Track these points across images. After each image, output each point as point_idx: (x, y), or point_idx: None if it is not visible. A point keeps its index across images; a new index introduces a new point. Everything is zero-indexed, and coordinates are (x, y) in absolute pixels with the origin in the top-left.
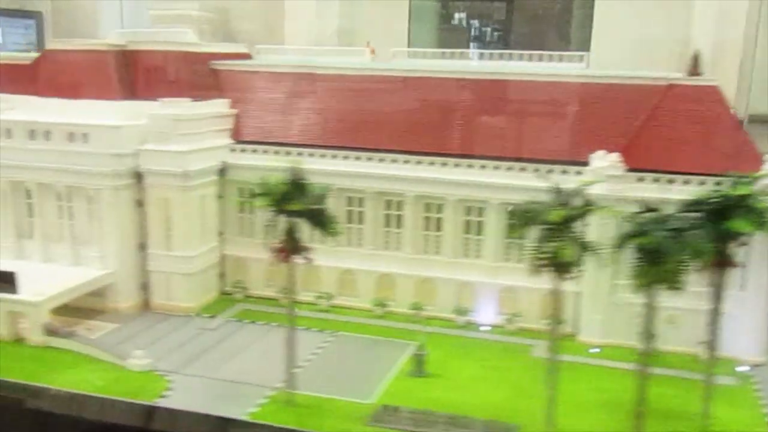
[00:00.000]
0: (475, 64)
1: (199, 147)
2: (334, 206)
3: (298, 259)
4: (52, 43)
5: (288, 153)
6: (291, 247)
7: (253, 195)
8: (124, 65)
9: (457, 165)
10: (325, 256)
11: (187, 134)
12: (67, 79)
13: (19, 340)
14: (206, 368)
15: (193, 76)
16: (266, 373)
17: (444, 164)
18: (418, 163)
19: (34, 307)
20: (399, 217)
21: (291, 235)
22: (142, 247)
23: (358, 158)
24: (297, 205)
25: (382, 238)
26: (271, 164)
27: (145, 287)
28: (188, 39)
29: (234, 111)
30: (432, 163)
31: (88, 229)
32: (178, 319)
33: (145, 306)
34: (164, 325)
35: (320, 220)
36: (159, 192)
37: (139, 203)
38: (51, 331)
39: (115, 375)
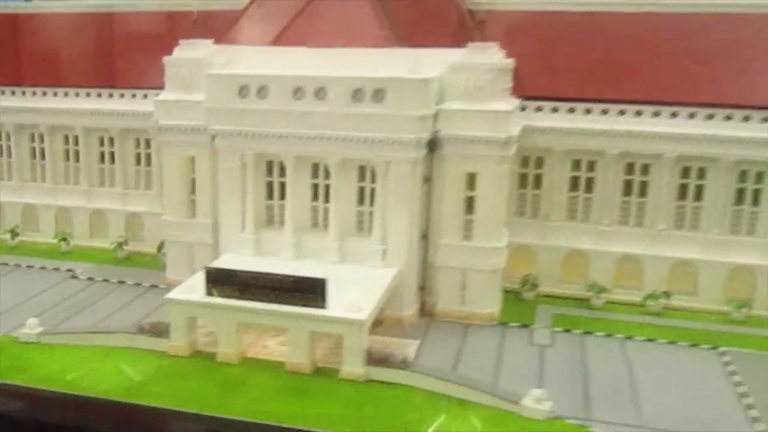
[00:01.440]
0: None
1: (513, 106)
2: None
3: None
4: None
5: (588, 111)
6: None
7: None
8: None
9: None
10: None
11: (502, 89)
12: (307, 24)
13: (318, 371)
14: (632, 413)
15: (455, 18)
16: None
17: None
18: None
19: (356, 327)
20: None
21: None
22: (424, 237)
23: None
24: None
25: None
26: (585, 127)
27: (422, 289)
28: None
29: (510, 61)
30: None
31: (362, 215)
32: (487, 331)
33: (425, 313)
34: (478, 341)
35: None
36: (461, 164)
37: (426, 179)
38: (379, 359)
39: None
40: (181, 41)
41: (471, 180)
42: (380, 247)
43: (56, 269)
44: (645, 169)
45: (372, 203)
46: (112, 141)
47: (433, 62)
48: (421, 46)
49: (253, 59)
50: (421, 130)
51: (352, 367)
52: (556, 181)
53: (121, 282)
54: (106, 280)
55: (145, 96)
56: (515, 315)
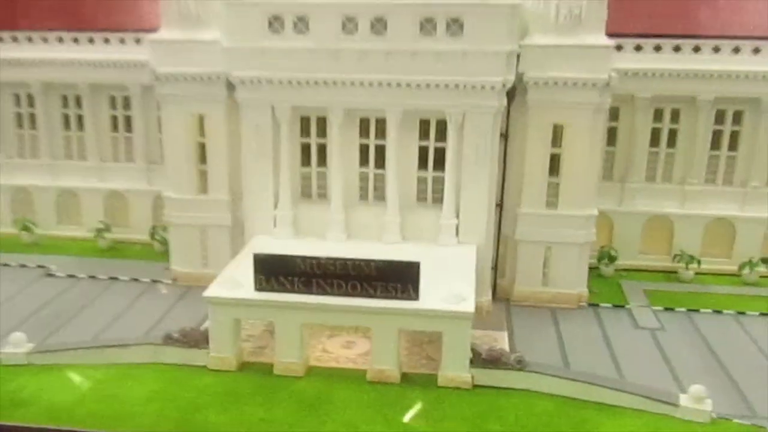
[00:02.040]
0: None
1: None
2: None
3: None
4: None
5: (677, 48)
6: None
7: None
8: None
9: None
10: None
11: (600, 20)
12: None
13: (407, 379)
14: None
15: None
16: None
17: None
18: None
19: (462, 322)
20: None
21: None
22: (497, 206)
23: None
24: None
25: None
26: (676, 67)
27: (494, 269)
28: None
29: None
30: None
31: (423, 182)
32: (579, 316)
33: (498, 298)
34: (576, 328)
35: None
36: (548, 115)
37: (502, 135)
38: (489, 359)
39: None
40: None
41: (557, 135)
42: (453, 220)
43: (23, 266)
44: (738, 116)
45: (436, 167)
46: (78, 101)
47: None
48: None
49: None
50: (508, 70)
51: (456, 371)
52: (636, 136)
53: (113, 278)
54: (93, 277)
55: (122, 41)
56: (601, 294)
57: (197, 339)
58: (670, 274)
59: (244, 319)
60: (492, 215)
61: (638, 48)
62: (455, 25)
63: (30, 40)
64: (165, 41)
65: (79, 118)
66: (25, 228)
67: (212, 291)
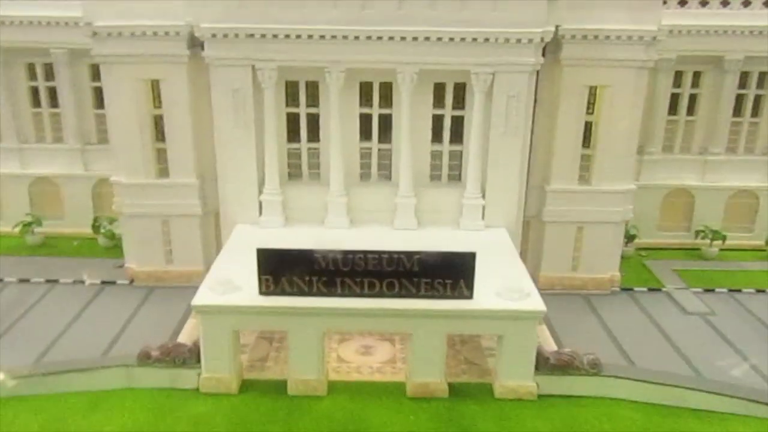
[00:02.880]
0: None
1: None
2: None
3: None
4: None
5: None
6: None
7: None
8: None
9: None
10: None
11: None
12: None
13: (455, 391)
14: None
15: None
16: None
17: None
18: None
19: (530, 322)
20: None
21: None
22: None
23: None
24: None
25: None
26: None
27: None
28: None
29: None
30: None
31: (437, 157)
32: (617, 302)
33: None
34: (620, 317)
35: None
36: (586, 75)
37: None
38: (559, 364)
39: None
40: None
41: (592, 98)
42: (479, 200)
43: None
44: (762, 79)
45: (453, 140)
46: None
47: None
48: None
49: None
50: (546, 21)
51: (518, 379)
52: (657, 102)
53: (52, 281)
54: (26, 281)
55: None
56: (629, 276)
57: (183, 355)
58: (691, 251)
59: (250, 330)
60: (523, 193)
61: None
62: None
63: None
64: None
65: None
66: None
67: (203, 297)
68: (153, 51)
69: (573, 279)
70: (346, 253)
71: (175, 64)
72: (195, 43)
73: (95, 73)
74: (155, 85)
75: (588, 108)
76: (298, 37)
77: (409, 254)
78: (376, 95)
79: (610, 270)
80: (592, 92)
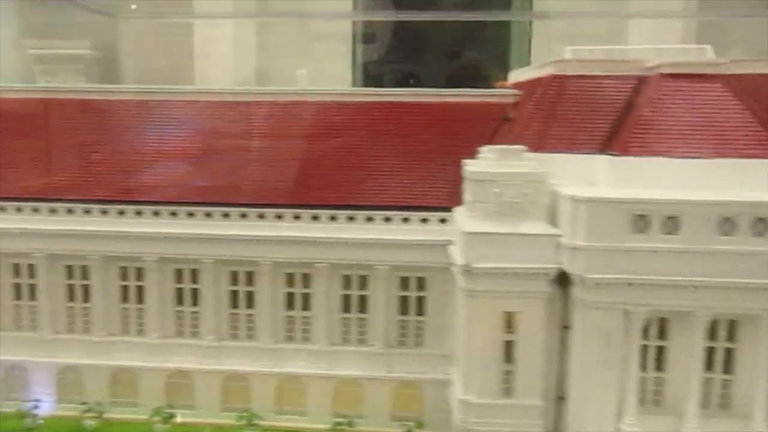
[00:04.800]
0: None
1: None
2: None
3: None
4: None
5: None
6: None
7: None
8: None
9: None
10: None
11: None
12: (646, 125)
13: None
14: None
15: None
16: None
17: None
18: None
19: None
20: None
21: None
22: None
23: None
24: None
25: None
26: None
27: None
28: None
29: None
30: None
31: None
32: None
33: None
34: None
35: None
36: None
37: None
38: None
39: None
40: (485, 147)
41: None
42: None
43: None
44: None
45: None
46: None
47: None
48: None
49: (577, 171)
50: None
51: None
52: None
53: None
54: None
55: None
56: None
57: None
58: None
59: None
60: None
61: None
62: None
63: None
64: (483, 234)
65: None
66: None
67: None
68: (517, 288)
69: None
70: None
71: (535, 299)
72: (556, 284)
73: (403, 284)
74: (508, 316)
75: None
76: (671, 287)
77: None
78: (722, 329)
79: None
80: None
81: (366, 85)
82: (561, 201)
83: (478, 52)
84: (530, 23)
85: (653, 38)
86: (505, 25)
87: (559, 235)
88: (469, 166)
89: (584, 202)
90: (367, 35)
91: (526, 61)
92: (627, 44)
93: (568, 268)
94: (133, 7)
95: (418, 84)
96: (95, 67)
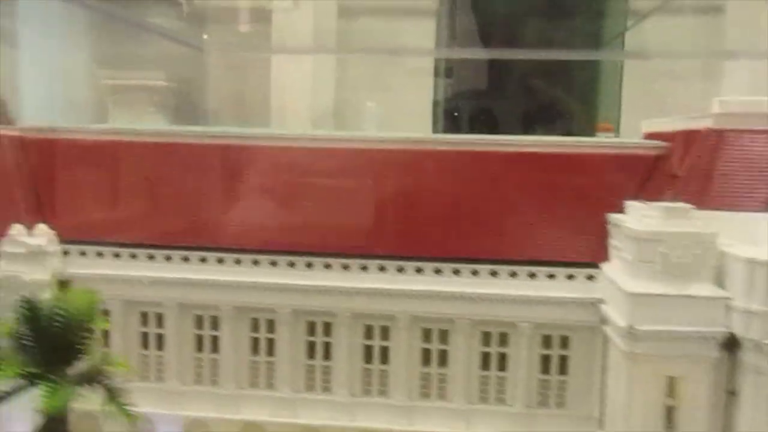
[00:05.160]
0: None
1: None
2: None
3: None
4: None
5: None
6: None
7: None
8: None
9: None
10: None
11: None
12: None
13: None
14: None
15: None
16: None
17: None
18: None
19: None
20: None
21: None
22: None
23: None
24: None
25: None
26: None
27: None
28: None
29: None
30: None
31: None
32: None
33: None
34: None
35: None
36: None
37: None
38: None
39: None
40: (632, 201)
41: None
42: None
43: None
44: None
45: None
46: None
47: None
48: None
49: (738, 230)
50: None
51: None
52: None
53: None
54: None
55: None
56: None
57: None
58: None
59: None
60: None
61: None
62: None
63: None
64: (649, 295)
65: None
66: None
67: None
68: (682, 352)
69: None
70: None
71: (700, 364)
72: (724, 348)
73: (545, 342)
74: (671, 380)
75: None
76: None
77: None
78: None
79: None
80: None
81: (444, 120)
82: (731, 262)
83: (563, 90)
84: (622, 62)
85: (752, 77)
86: (593, 63)
87: (729, 298)
88: (631, 223)
89: (764, 266)
90: (447, 69)
91: (617, 101)
92: (722, 83)
93: (742, 332)
94: (205, 37)
95: (491, 120)
96: (171, 98)
